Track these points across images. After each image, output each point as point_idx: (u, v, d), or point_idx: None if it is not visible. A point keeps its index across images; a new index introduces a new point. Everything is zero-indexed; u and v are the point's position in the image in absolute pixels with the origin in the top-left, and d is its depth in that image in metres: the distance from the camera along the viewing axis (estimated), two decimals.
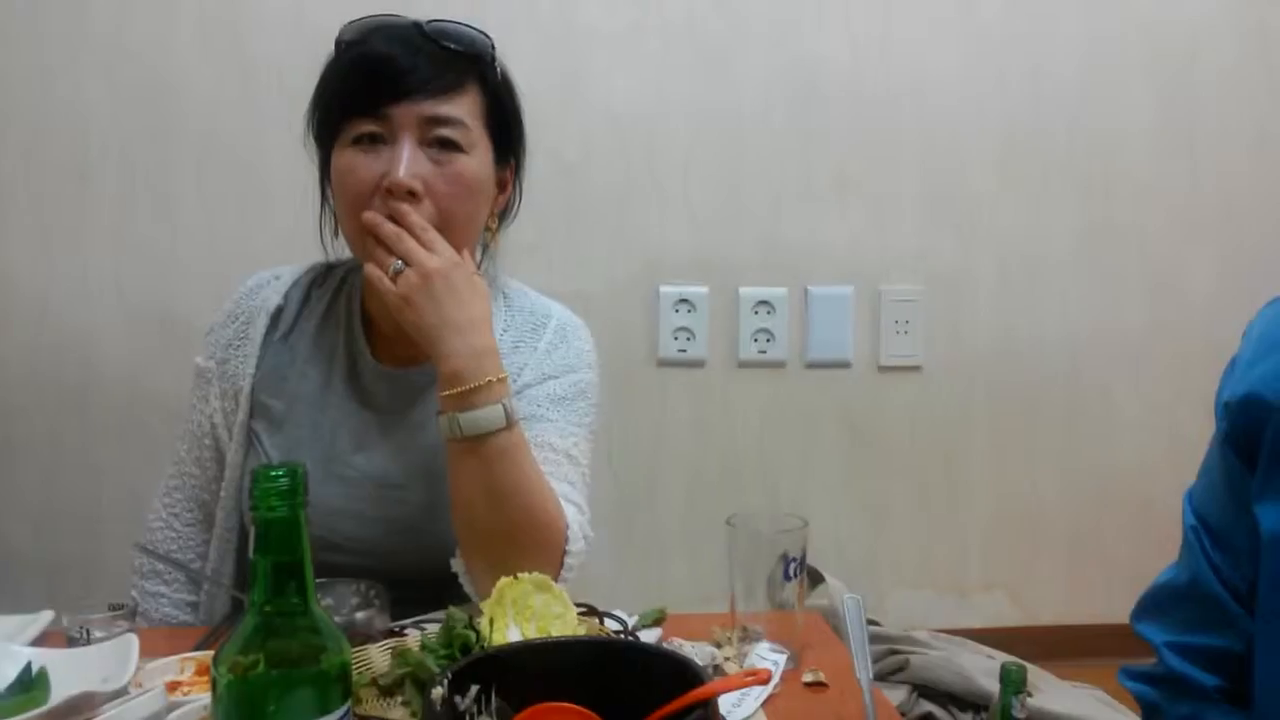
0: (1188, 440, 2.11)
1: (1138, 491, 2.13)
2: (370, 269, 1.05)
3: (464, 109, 1.10)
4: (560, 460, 1.14)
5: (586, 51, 2.00)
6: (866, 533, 2.10)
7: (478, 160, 1.11)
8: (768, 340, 2.07)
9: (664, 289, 2.05)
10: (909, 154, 2.06)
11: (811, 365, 2.08)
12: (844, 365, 2.09)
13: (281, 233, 1.86)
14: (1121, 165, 2.09)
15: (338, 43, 1.13)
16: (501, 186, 1.19)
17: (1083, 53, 2.07)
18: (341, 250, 1.21)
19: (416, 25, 1.11)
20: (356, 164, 1.07)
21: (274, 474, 0.63)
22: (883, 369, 2.09)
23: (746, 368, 2.08)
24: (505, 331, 1.21)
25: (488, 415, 1.02)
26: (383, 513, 1.13)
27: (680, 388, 2.07)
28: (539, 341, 1.21)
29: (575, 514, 1.11)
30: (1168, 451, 2.12)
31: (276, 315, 1.20)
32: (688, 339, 2.07)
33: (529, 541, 1.05)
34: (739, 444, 2.08)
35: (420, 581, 1.07)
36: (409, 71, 1.07)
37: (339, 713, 0.64)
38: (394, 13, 1.15)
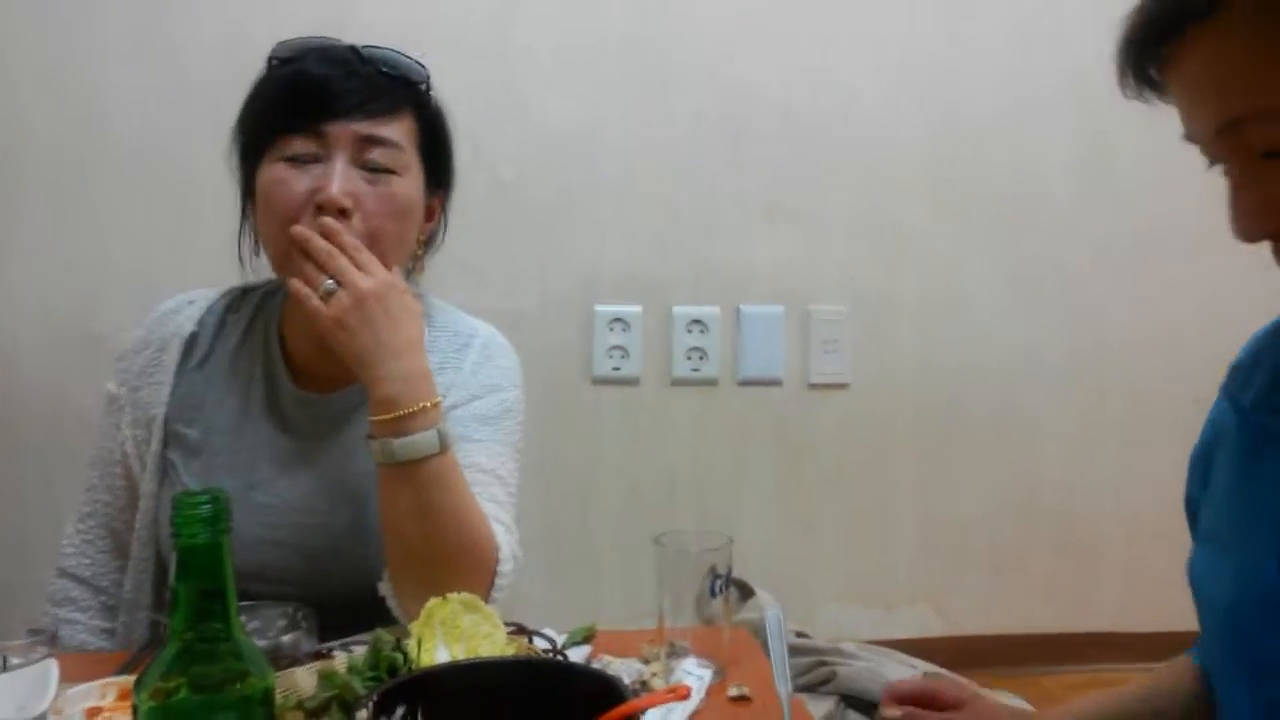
0: (1104, 459, 2.20)
1: (1056, 507, 2.21)
2: (297, 286, 1.02)
3: (398, 132, 1.10)
4: (489, 480, 1.14)
5: (523, 71, 2.02)
6: (797, 547, 2.14)
7: (409, 183, 1.11)
8: (700, 358, 2.11)
9: (599, 308, 2.08)
10: (838, 180, 2.12)
11: (743, 383, 2.12)
12: (775, 383, 2.13)
13: (211, 252, 1.83)
14: (1041, 196, 2.17)
15: (270, 60, 1.12)
16: (429, 214, 1.19)
17: (1008, 89, 2.15)
18: (261, 270, 1.18)
19: (353, 49, 1.11)
20: (287, 179, 1.05)
21: (196, 500, 0.63)
22: (812, 387, 2.14)
23: (680, 385, 2.11)
24: (430, 351, 1.16)
25: (422, 440, 1.01)
26: (306, 540, 1.12)
27: (614, 405, 2.09)
28: (464, 361, 1.20)
29: (504, 534, 1.11)
30: (1084, 470, 2.21)
31: (190, 342, 1.17)
32: (622, 357, 2.09)
33: (460, 564, 1.05)
34: (672, 461, 2.11)
35: (346, 607, 1.05)
36: (346, 92, 1.06)
37: None
38: (328, 35, 1.15)
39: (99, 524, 1.19)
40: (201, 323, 1.19)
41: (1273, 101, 0.60)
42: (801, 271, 2.12)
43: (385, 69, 1.10)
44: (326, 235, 1.03)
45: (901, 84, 2.12)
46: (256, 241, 1.15)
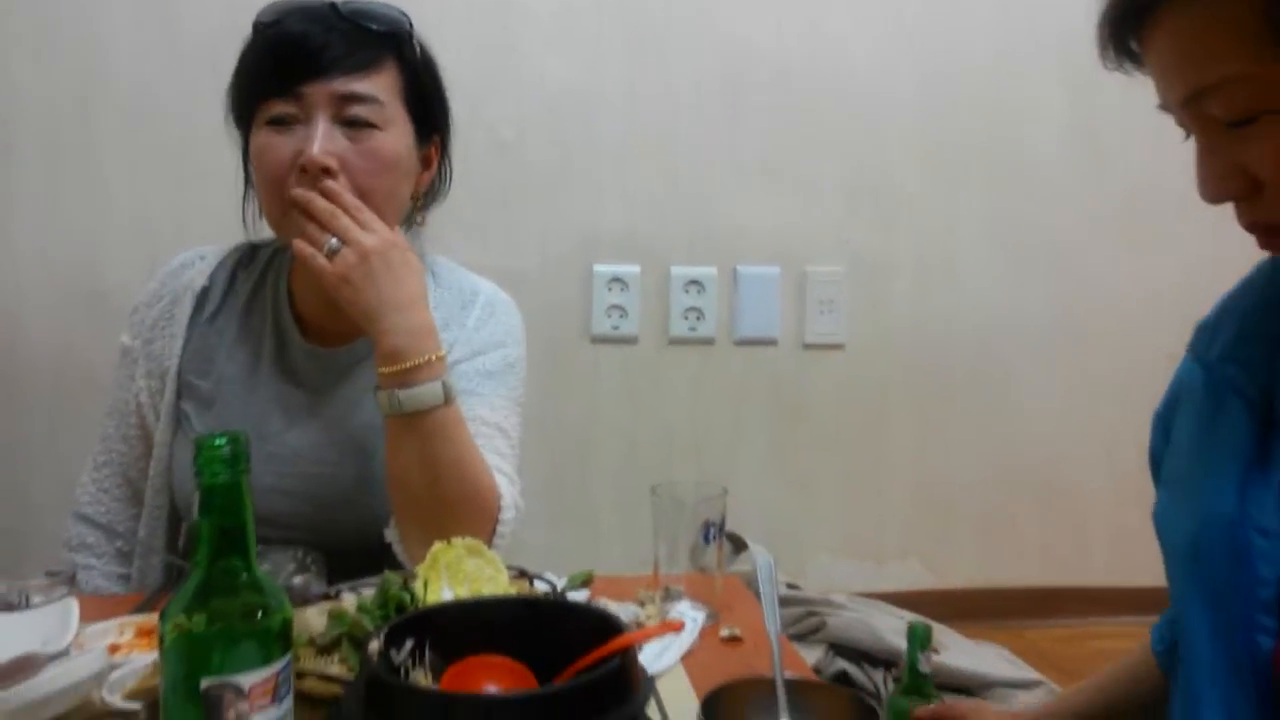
0: (1091, 419, 2.24)
1: (1043, 465, 2.25)
2: (301, 246, 1.05)
3: (379, 86, 1.10)
4: (492, 433, 1.18)
5: (523, 32, 2.03)
6: (791, 502, 2.19)
7: (395, 137, 1.11)
8: (698, 318, 2.14)
9: (598, 268, 2.10)
10: (834, 143, 2.14)
11: (740, 343, 2.16)
12: (771, 343, 2.17)
13: (213, 209, 1.85)
14: (1031, 160, 2.20)
15: (255, 25, 1.12)
16: (426, 164, 1.20)
17: (997, 52, 2.17)
18: (265, 230, 1.21)
19: (331, 5, 1.10)
20: (272, 144, 1.07)
21: (217, 442, 0.67)
22: (807, 347, 2.17)
23: (677, 344, 2.15)
24: (435, 309, 1.20)
25: (427, 391, 1.05)
26: (314, 489, 1.15)
27: (613, 363, 2.13)
28: (468, 318, 1.24)
29: (506, 484, 1.15)
30: (1071, 428, 2.25)
31: (202, 296, 1.20)
32: (620, 316, 2.12)
33: (463, 512, 1.09)
34: (669, 418, 2.15)
35: (354, 552, 1.10)
36: (321, 49, 1.07)
37: (280, 664, 0.68)
38: None
39: (115, 472, 1.23)
40: (213, 278, 1.22)
41: (1231, 72, 0.64)
42: (798, 233, 2.14)
43: (363, 22, 1.10)
44: (328, 196, 1.05)
45: (894, 49, 2.14)
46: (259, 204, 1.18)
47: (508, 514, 1.14)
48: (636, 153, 2.09)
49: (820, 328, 2.17)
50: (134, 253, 1.92)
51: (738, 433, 2.17)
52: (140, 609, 1.06)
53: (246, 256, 1.25)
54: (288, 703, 0.69)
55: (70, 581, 1.05)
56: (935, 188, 2.18)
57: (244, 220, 1.21)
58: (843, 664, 1.74)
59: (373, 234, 1.05)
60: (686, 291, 2.14)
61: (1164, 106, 0.72)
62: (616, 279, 2.11)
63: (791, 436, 2.18)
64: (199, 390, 1.19)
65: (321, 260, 1.04)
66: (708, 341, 2.15)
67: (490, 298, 1.28)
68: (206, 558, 0.67)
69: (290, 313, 1.20)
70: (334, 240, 1.04)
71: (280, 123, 1.08)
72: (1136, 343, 2.20)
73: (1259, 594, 0.66)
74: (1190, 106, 0.68)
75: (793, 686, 0.81)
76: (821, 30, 2.11)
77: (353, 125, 1.08)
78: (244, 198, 1.21)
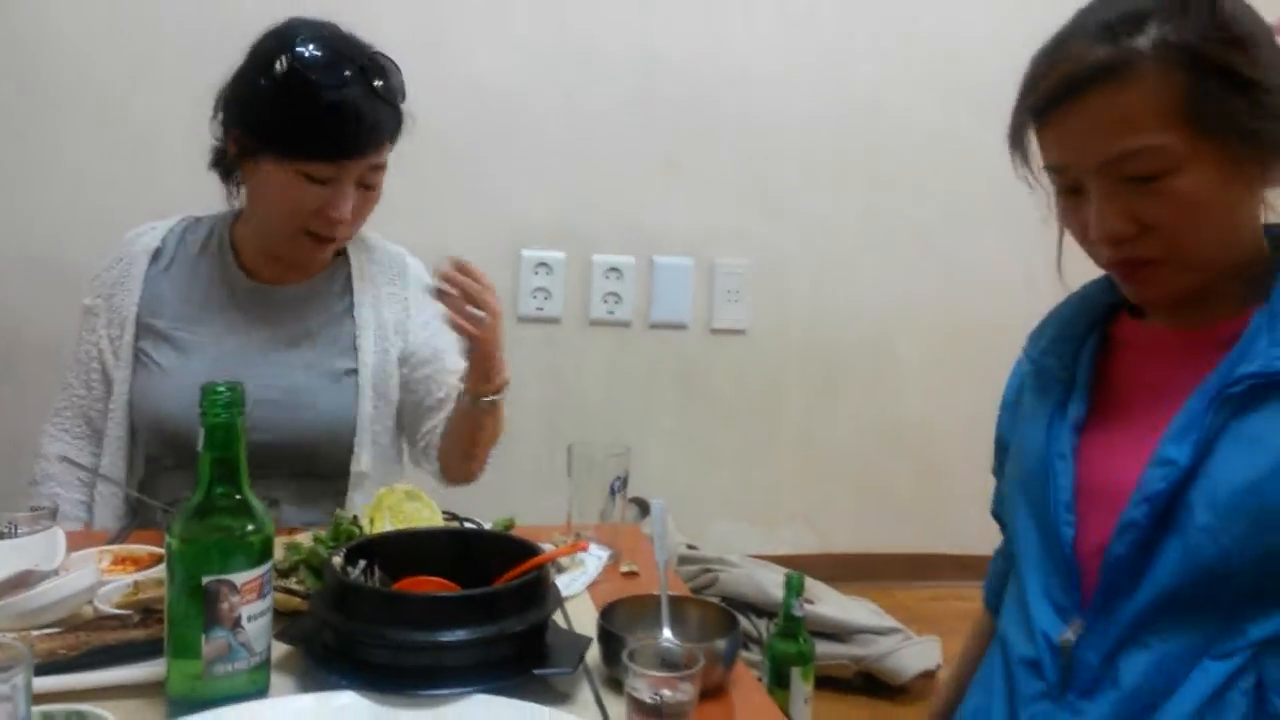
0: (960, 397, 2.49)
1: (921, 441, 2.49)
2: (456, 320, 1.28)
3: (386, 151, 1.32)
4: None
5: (456, 29, 2.17)
6: (694, 472, 2.39)
7: (383, 177, 1.35)
8: (616, 302, 2.33)
9: (525, 253, 2.28)
10: (742, 146, 2.34)
11: (654, 326, 2.36)
12: (682, 327, 2.37)
13: (166, 186, 1.98)
14: (905, 161, 2.42)
15: (291, 75, 1.24)
16: None
17: (882, 67, 2.39)
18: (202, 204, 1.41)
19: (373, 84, 1.26)
20: (301, 193, 1.27)
21: (219, 389, 0.84)
22: (714, 331, 2.38)
23: (597, 326, 2.33)
24: (369, 264, 1.45)
25: (495, 396, 1.39)
26: (263, 396, 1.32)
27: (537, 342, 2.30)
28: (408, 278, 1.48)
29: None
30: (943, 406, 2.49)
31: (156, 254, 1.40)
32: (545, 298, 2.30)
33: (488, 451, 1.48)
34: (588, 393, 2.34)
35: (289, 445, 1.33)
36: (371, 130, 1.26)
37: (264, 568, 0.85)
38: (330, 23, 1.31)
39: (75, 414, 1.40)
40: (164, 240, 1.42)
41: (1153, 142, 0.81)
42: (708, 227, 2.34)
43: (395, 101, 1.30)
44: (472, 275, 1.29)
45: (794, 64, 2.34)
46: (238, 186, 1.37)
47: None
48: (565, 147, 2.26)
49: (726, 315, 2.38)
50: (85, 228, 2.02)
51: (648, 408, 2.36)
52: (113, 541, 1.21)
53: (192, 224, 1.45)
54: (269, 599, 0.86)
55: (53, 515, 1.20)
56: (821, 188, 2.39)
57: (230, 204, 1.41)
58: (738, 617, 1.95)
59: (496, 301, 1.30)
60: (607, 277, 2.32)
61: (1065, 166, 0.88)
62: (543, 264, 2.29)
63: (696, 413, 2.39)
64: (156, 328, 1.37)
65: (473, 329, 1.28)
66: (625, 324, 2.34)
67: (414, 259, 1.52)
68: (206, 482, 0.84)
69: (235, 261, 1.40)
70: (482, 312, 1.28)
71: (313, 178, 1.27)
72: (1000, 328, 2.41)
73: (1061, 498, 0.89)
74: (1108, 167, 0.83)
75: (673, 601, 1.01)
76: (729, 45, 2.31)
77: (366, 186, 1.31)
78: (231, 191, 1.39)
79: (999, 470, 1.11)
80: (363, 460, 1.38)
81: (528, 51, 2.22)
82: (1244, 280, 0.87)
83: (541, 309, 2.30)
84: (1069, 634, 0.85)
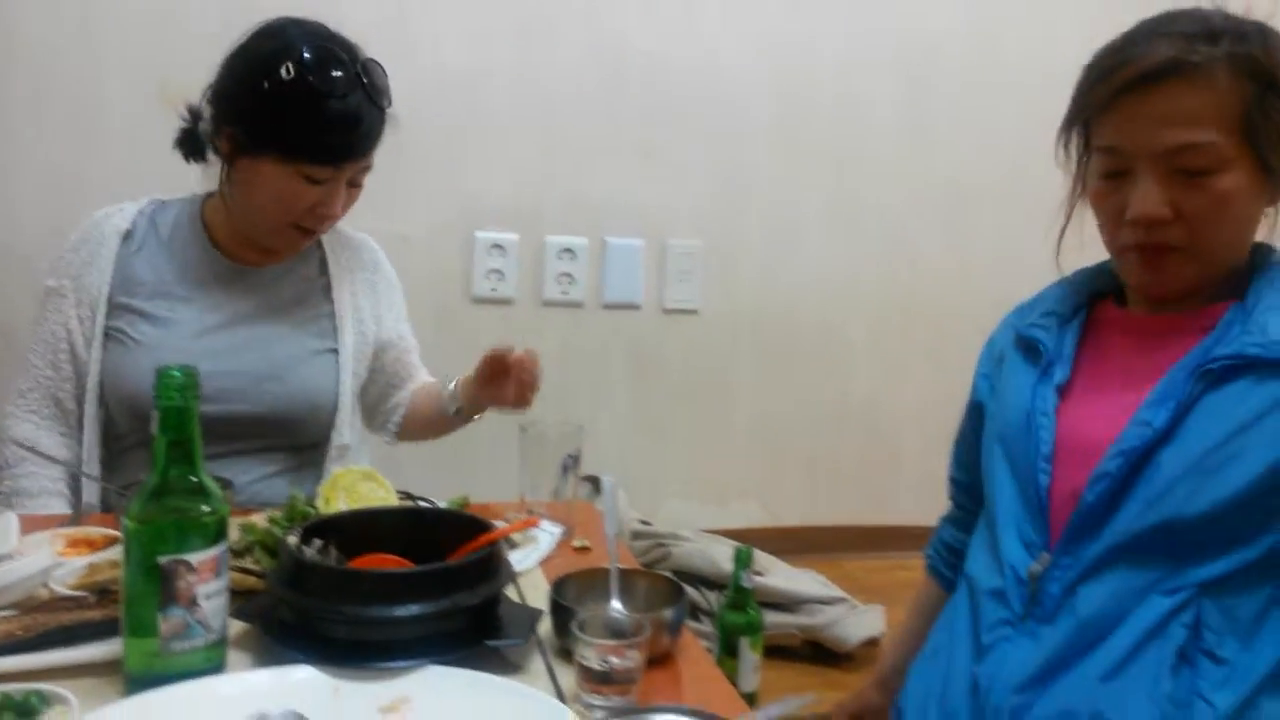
0: (908, 375, 2.56)
1: (867, 418, 2.56)
2: (504, 410, 1.49)
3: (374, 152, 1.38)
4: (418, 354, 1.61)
5: (415, 10, 2.17)
6: (648, 451, 2.43)
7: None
8: (569, 283, 2.35)
9: (479, 234, 2.29)
10: (694, 129, 2.36)
11: (606, 306, 2.38)
12: (634, 307, 2.40)
13: (121, 168, 1.97)
14: (867, 143, 2.46)
15: (298, 81, 1.28)
16: None
17: (842, 53, 2.42)
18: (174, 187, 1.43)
19: (361, 80, 1.31)
20: (299, 192, 1.33)
21: (173, 372, 0.85)
22: (666, 311, 2.41)
23: (550, 306, 2.35)
24: (341, 248, 1.51)
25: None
26: (245, 368, 1.38)
27: (491, 323, 2.32)
28: (378, 262, 1.55)
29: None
30: (891, 384, 2.55)
31: (126, 235, 1.41)
32: (499, 279, 2.32)
33: None
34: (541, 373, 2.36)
35: (266, 420, 1.38)
36: (368, 136, 1.33)
37: (219, 548, 0.87)
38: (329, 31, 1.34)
39: (42, 395, 1.40)
40: (134, 221, 1.43)
41: (1213, 139, 0.91)
42: (660, 208, 2.37)
43: (387, 106, 1.36)
44: (529, 366, 1.45)
45: (753, 47, 2.36)
46: (230, 179, 1.38)
47: None
48: (519, 130, 2.27)
49: (678, 295, 2.41)
50: (37, 213, 2.00)
51: (601, 387, 2.39)
52: (70, 524, 1.22)
53: (160, 206, 1.47)
54: (225, 579, 0.88)
55: (7, 502, 1.20)
56: (783, 171, 2.43)
57: (222, 195, 1.41)
58: (685, 589, 2.00)
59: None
60: (560, 259, 2.34)
61: (1115, 150, 0.96)
62: (497, 245, 2.30)
63: (649, 391, 2.42)
64: (130, 306, 1.38)
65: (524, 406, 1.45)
66: (578, 305, 2.37)
67: (375, 244, 1.58)
68: (162, 465, 0.86)
69: (211, 244, 1.43)
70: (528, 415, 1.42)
71: (312, 179, 1.32)
72: (950, 311, 2.49)
73: (1041, 449, 0.99)
74: (1165, 156, 0.92)
75: (623, 573, 1.05)
76: (689, 28, 2.32)
77: (353, 184, 1.37)
78: (223, 176, 1.40)
79: (968, 433, 1.19)
80: (345, 434, 1.45)
81: (483, 33, 2.22)
82: (1224, 278, 0.99)
83: (495, 290, 2.31)
84: (1036, 566, 0.96)
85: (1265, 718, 0.89)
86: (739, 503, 2.51)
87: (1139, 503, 0.91)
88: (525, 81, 2.26)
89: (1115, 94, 0.94)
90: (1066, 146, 1.04)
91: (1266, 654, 0.90)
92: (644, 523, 2.18)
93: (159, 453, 0.86)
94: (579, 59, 2.28)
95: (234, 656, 0.90)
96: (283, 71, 1.27)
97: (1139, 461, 0.91)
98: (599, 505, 2.02)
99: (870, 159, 2.48)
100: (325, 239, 1.49)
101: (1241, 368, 0.91)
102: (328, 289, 1.47)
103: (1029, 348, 1.07)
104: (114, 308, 1.38)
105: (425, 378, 1.62)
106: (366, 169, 1.38)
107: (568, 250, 2.34)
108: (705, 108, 2.36)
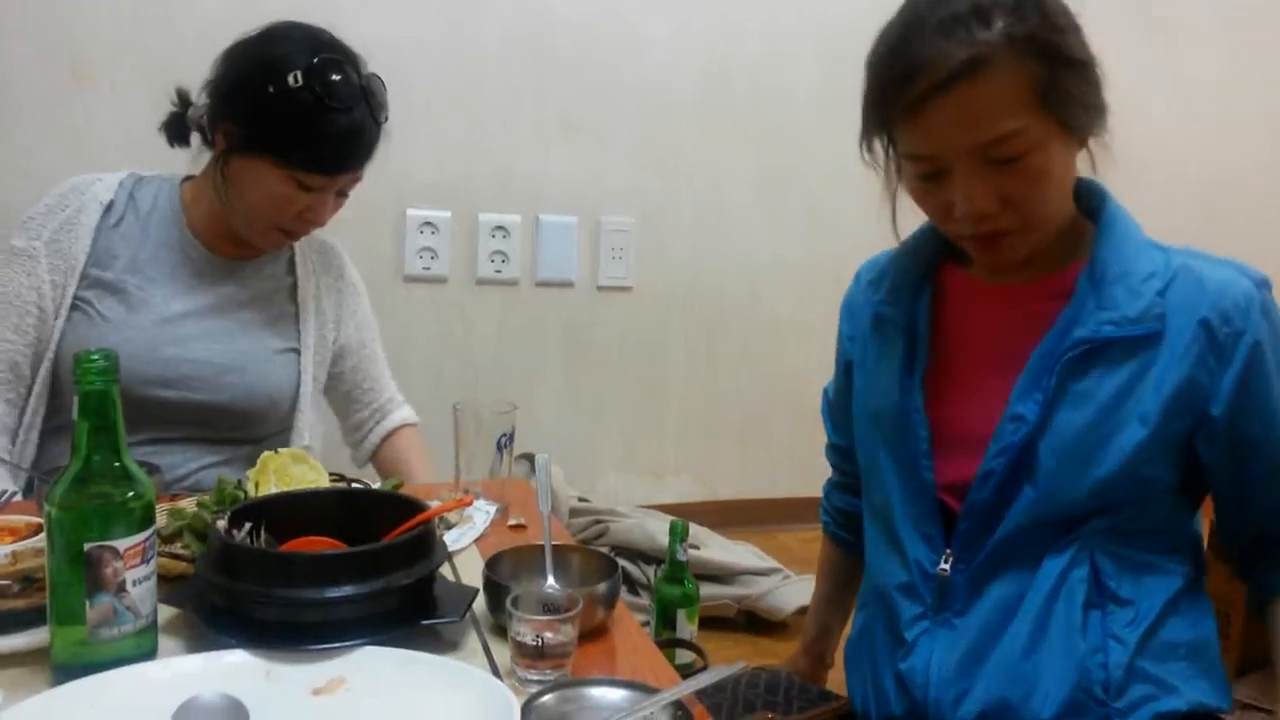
0: (834, 348, 2.60)
1: (797, 390, 2.59)
2: None
3: None
4: (385, 368, 1.62)
5: None
6: (584, 427, 2.45)
7: None
8: (503, 261, 2.34)
9: (410, 212, 2.26)
10: (625, 105, 2.37)
11: (540, 284, 2.38)
12: (568, 285, 2.40)
13: (22, 146, 1.90)
14: (791, 119, 2.50)
15: (305, 92, 1.28)
16: None
17: (766, 24, 2.44)
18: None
19: (365, 93, 1.33)
20: (290, 197, 1.34)
21: (93, 356, 0.83)
22: (600, 289, 2.43)
23: (484, 285, 2.35)
24: (319, 259, 1.53)
25: None
26: (209, 357, 1.39)
27: (424, 302, 2.30)
28: (343, 267, 1.56)
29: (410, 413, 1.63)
30: (819, 356, 2.57)
31: (108, 208, 1.40)
32: (431, 258, 2.30)
33: None
34: (476, 352, 2.36)
35: (237, 410, 1.39)
36: (367, 150, 1.35)
37: (146, 534, 0.86)
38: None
39: (1, 360, 1.36)
40: (116, 194, 1.42)
41: (1018, 125, 0.89)
42: (593, 185, 2.38)
43: (383, 120, 1.37)
44: None
45: (680, 24, 2.38)
46: (222, 174, 1.37)
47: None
48: (448, 106, 2.25)
49: (612, 272, 2.42)
50: None
51: (537, 365, 2.40)
52: None
53: (139, 182, 1.45)
54: (153, 564, 0.87)
55: None
56: (711, 148, 2.46)
57: (216, 190, 1.39)
58: (622, 562, 2.02)
59: None
60: (493, 236, 2.33)
61: (922, 157, 0.95)
62: (428, 223, 2.28)
63: (584, 368, 2.44)
64: (105, 280, 1.37)
65: None
66: (512, 283, 2.36)
67: (340, 247, 1.59)
68: (85, 450, 0.84)
69: (186, 225, 1.42)
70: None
71: (306, 187, 1.32)
72: None
73: (921, 447, 1.01)
74: (976, 152, 0.91)
75: (556, 550, 1.06)
76: (618, 4, 2.33)
77: (342, 194, 1.38)
78: (216, 168, 1.38)
79: (844, 397, 1.20)
80: (305, 435, 1.46)
81: (413, 9, 2.19)
82: (1058, 236, 0.99)
83: (428, 268, 2.29)
84: (944, 565, 0.99)
85: (1170, 638, 0.96)
86: (674, 477, 2.54)
87: (1025, 498, 0.95)
88: (450, 55, 2.23)
89: (907, 108, 0.91)
90: (870, 150, 1.02)
91: (1161, 584, 0.96)
92: (582, 500, 2.19)
93: (80, 438, 0.84)
94: (504, 34, 2.26)
95: (165, 642, 0.89)
96: (290, 79, 1.28)
97: (1018, 456, 0.95)
98: (533, 483, 2.03)
99: (794, 134, 2.51)
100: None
101: (1099, 348, 0.93)
102: (293, 289, 1.48)
103: (883, 329, 1.09)
104: (85, 279, 1.36)
105: (398, 405, 1.62)
106: (357, 180, 1.39)
107: (501, 228, 2.33)
108: (633, 85, 2.37)
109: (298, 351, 1.46)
